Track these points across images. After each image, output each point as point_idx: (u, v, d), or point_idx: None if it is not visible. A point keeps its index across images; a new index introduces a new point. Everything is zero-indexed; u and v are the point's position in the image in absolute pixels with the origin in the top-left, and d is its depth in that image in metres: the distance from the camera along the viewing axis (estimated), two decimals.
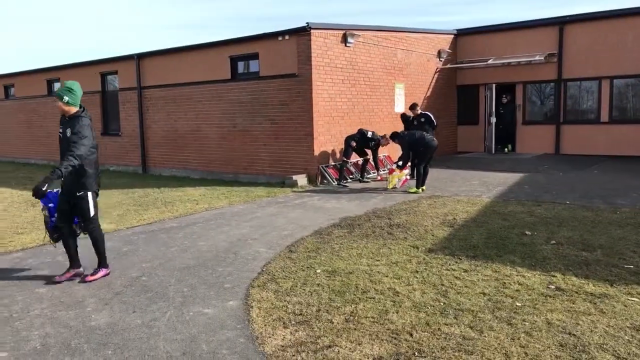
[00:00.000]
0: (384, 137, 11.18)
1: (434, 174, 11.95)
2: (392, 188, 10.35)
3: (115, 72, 15.62)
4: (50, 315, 4.21)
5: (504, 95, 15.95)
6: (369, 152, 11.45)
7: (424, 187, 9.98)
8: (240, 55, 12.41)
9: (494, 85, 15.84)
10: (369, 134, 11.14)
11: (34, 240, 6.76)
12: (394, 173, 10.45)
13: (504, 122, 16.07)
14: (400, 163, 10.38)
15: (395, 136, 10.59)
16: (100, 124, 16.23)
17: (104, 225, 7.53)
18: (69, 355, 3.50)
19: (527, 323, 3.82)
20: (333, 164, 11.61)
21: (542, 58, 14.93)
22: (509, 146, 16.19)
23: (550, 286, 4.57)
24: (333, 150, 11.65)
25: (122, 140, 15.60)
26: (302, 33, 10.98)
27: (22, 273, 5.38)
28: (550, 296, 4.34)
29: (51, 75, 17.98)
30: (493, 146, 16.16)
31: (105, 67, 15.94)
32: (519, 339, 3.57)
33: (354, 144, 11.03)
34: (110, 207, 9.17)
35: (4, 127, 20.52)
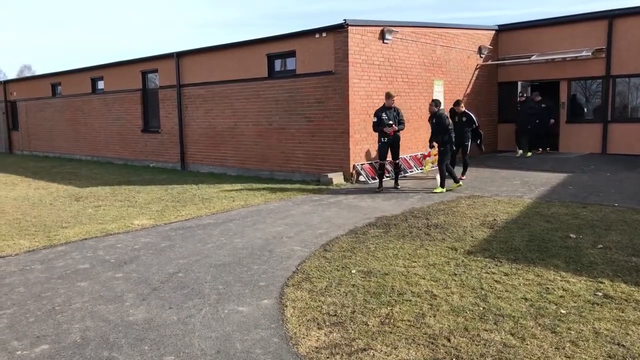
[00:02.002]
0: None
1: (472, 173, 11.67)
2: (427, 172, 10.50)
3: (156, 71, 15.96)
4: (90, 309, 4.31)
5: (520, 93, 15.05)
6: (391, 134, 10.10)
7: (460, 183, 9.95)
8: (277, 53, 12.44)
9: (519, 82, 15.36)
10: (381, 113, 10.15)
11: (77, 234, 6.96)
12: (428, 158, 10.57)
13: (535, 121, 14.73)
14: (435, 143, 10.09)
15: (438, 105, 9.86)
16: (141, 121, 16.67)
17: (144, 221, 7.73)
18: (108, 350, 3.56)
19: (572, 332, 3.64)
20: (369, 162, 11.50)
21: (590, 54, 14.32)
22: (540, 149, 15.03)
23: (598, 293, 4.35)
24: (369, 149, 11.53)
25: (161, 137, 15.94)
26: (340, 30, 10.89)
27: (65, 266, 5.54)
28: (597, 304, 4.13)
29: (95, 73, 18.56)
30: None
31: (146, 65, 16.32)
32: (564, 348, 3.41)
33: (375, 119, 10.09)
34: (150, 202, 9.38)
35: (51, 124, 21.34)
